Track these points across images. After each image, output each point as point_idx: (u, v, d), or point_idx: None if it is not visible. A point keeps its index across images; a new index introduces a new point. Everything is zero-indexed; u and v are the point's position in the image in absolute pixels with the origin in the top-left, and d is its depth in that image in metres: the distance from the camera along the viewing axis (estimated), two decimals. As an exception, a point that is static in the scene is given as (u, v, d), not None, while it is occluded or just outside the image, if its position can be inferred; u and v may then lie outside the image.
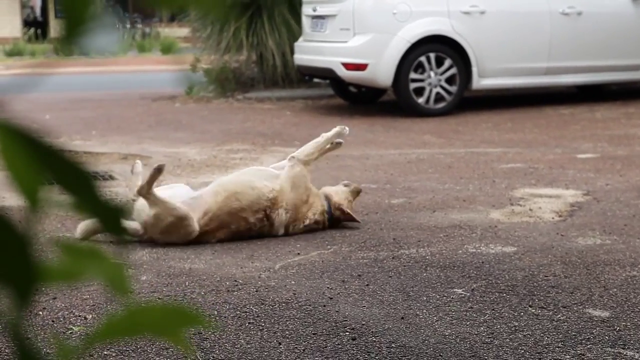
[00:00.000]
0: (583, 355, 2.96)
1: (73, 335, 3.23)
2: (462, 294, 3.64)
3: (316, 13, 10.34)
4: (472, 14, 9.76)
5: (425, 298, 3.59)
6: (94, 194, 0.63)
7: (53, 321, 3.36)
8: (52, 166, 0.65)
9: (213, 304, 3.55)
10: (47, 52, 24.75)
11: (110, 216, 0.63)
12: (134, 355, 3.01)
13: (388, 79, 9.69)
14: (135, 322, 0.73)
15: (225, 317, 3.39)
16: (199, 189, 4.85)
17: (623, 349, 3.02)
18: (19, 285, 0.65)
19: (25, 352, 0.70)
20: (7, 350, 3.09)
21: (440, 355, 2.97)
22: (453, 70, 9.77)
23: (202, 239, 4.51)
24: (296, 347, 3.07)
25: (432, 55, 9.73)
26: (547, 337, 3.12)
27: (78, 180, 0.64)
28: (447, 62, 9.76)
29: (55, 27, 32.36)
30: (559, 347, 3.03)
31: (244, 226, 4.56)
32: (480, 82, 9.92)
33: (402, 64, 9.63)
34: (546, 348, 3.03)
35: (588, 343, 3.07)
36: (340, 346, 3.07)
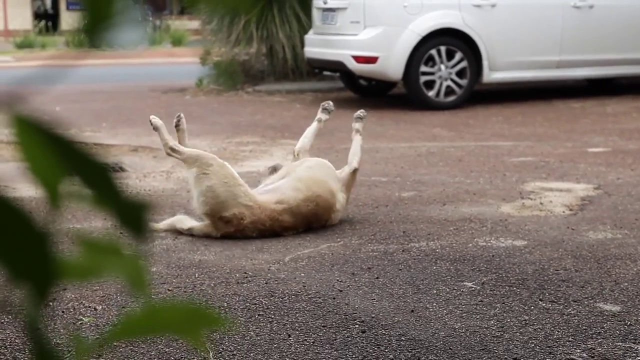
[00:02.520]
0: (594, 349, 2.96)
1: (83, 326, 3.24)
2: (472, 287, 3.64)
3: (327, 5, 10.32)
4: (483, 6, 9.73)
5: (435, 291, 3.59)
6: (114, 189, 0.63)
7: (63, 312, 3.37)
8: (70, 160, 0.65)
9: (223, 295, 3.56)
10: (59, 45, 24.78)
11: (130, 213, 0.63)
12: (143, 346, 3.02)
13: (398, 72, 9.67)
14: (154, 321, 0.73)
15: (234, 309, 3.39)
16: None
17: (634, 343, 3.01)
18: (38, 281, 0.65)
19: (42, 347, 0.70)
20: (17, 341, 3.10)
21: (450, 348, 2.98)
22: (464, 64, 9.75)
23: (269, 232, 4.48)
24: (306, 340, 3.07)
25: (442, 49, 9.70)
26: (558, 331, 3.12)
27: (97, 175, 0.64)
28: (458, 56, 9.73)
29: (66, 20, 32.38)
30: (569, 341, 3.03)
31: (305, 226, 4.58)
32: (491, 75, 9.89)
33: (412, 57, 9.61)
34: (557, 342, 3.02)
35: (599, 337, 3.07)
36: (349, 339, 3.07)
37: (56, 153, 0.63)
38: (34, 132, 0.65)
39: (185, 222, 4.57)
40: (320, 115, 5.13)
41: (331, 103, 5.24)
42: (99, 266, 0.68)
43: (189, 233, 4.52)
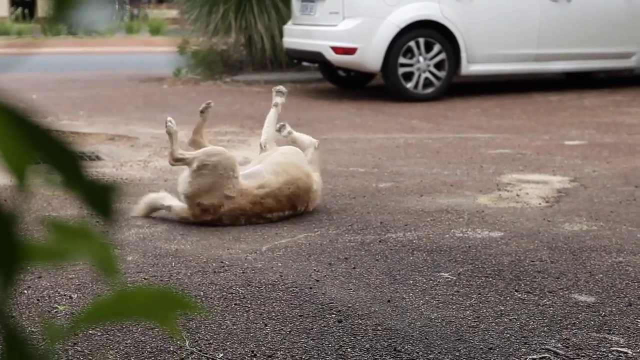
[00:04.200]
0: (568, 339, 2.98)
1: (58, 314, 3.22)
2: (448, 278, 3.65)
3: (306, -4, 10.29)
4: (462, -1, 9.74)
5: (411, 281, 3.60)
6: (81, 173, 0.62)
7: (38, 300, 3.35)
8: (38, 144, 0.64)
9: (199, 285, 3.55)
10: (35, 32, 24.58)
11: (97, 196, 0.62)
12: (119, 334, 3.01)
13: (377, 64, 9.67)
14: (124, 305, 0.72)
15: (211, 298, 3.39)
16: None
17: (608, 334, 3.04)
18: (3, 264, 0.64)
19: (10, 332, 0.69)
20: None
21: (426, 338, 2.98)
22: (442, 56, 9.76)
23: (254, 216, 4.52)
24: (282, 329, 3.07)
25: (421, 40, 9.71)
26: (533, 322, 3.14)
27: (65, 159, 0.64)
28: (436, 48, 9.74)
29: (42, 7, 32.12)
30: (544, 332, 3.04)
31: (290, 213, 4.62)
32: (469, 67, 9.92)
33: (391, 49, 9.61)
34: (532, 332, 3.04)
35: (573, 328, 3.08)
36: (326, 328, 3.07)
37: (23, 135, 0.62)
38: (0, 115, 0.64)
39: (166, 199, 4.60)
40: (277, 99, 5.13)
41: (282, 87, 5.26)
42: (68, 249, 0.67)
43: (166, 212, 4.57)
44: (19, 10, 29.37)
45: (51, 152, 0.64)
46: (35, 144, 0.64)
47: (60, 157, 0.64)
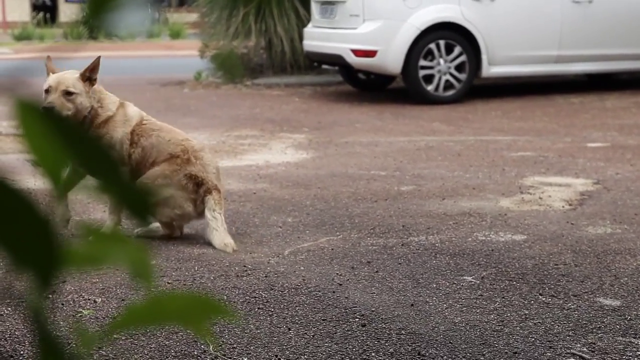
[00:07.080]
0: (594, 344, 2.95)
1: (83, 319, 3.23)
2: (472, 281, 3.63)
3: (326, -1, 10.29)
4: (483, 1, 9.71)
5: (434, 285, 3.58)
6: (120, 177, 0.62)
7: (62, 304, 3.36)
8: (76, 148, 0.64)
9: (222, 289, 3.55)
10: (57, 37, 24.73)
11: (136, 201, 0.62)
12: (143, 338, 3.01)
13: (397, 66, 9.65)
14: (158, 310, 0.72)
15: (234, 302, 3.39)
16: None
17: (634, 338, 3.01)
18: (41, 269, 0.64)
19: (46, 336, 0.69)
20: (17, 333, 3.09)
21: (450, 342, 2.97)
22: (463, 58, 9.73)
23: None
24: (306, 333, 3.07)
25: (441, 43, 9.69)
26: (558, 326, 3.11)
27: (103, 163, 0.63)
28: (457, 50, 9.71)
29: (64, 12, 32.32)
30: (569, 336, 3.02)
31: None
32: (490, 69, 9.88)
33: (411, 51, 9.59)
34: (557, 336, 3.02)
35: (599, 332, 3.06)
36: (350, 332, 3.07)
37: (60, 139, 0.62)
38: (37, 118, 0.64)
39: None
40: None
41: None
42: (104, 255, 0.67)
43: None
44: (41, 14, 29.56)
45: (88, 155, 0.64)
46: (71, 147, 0.64)
47: (97, 160, 0.64)
